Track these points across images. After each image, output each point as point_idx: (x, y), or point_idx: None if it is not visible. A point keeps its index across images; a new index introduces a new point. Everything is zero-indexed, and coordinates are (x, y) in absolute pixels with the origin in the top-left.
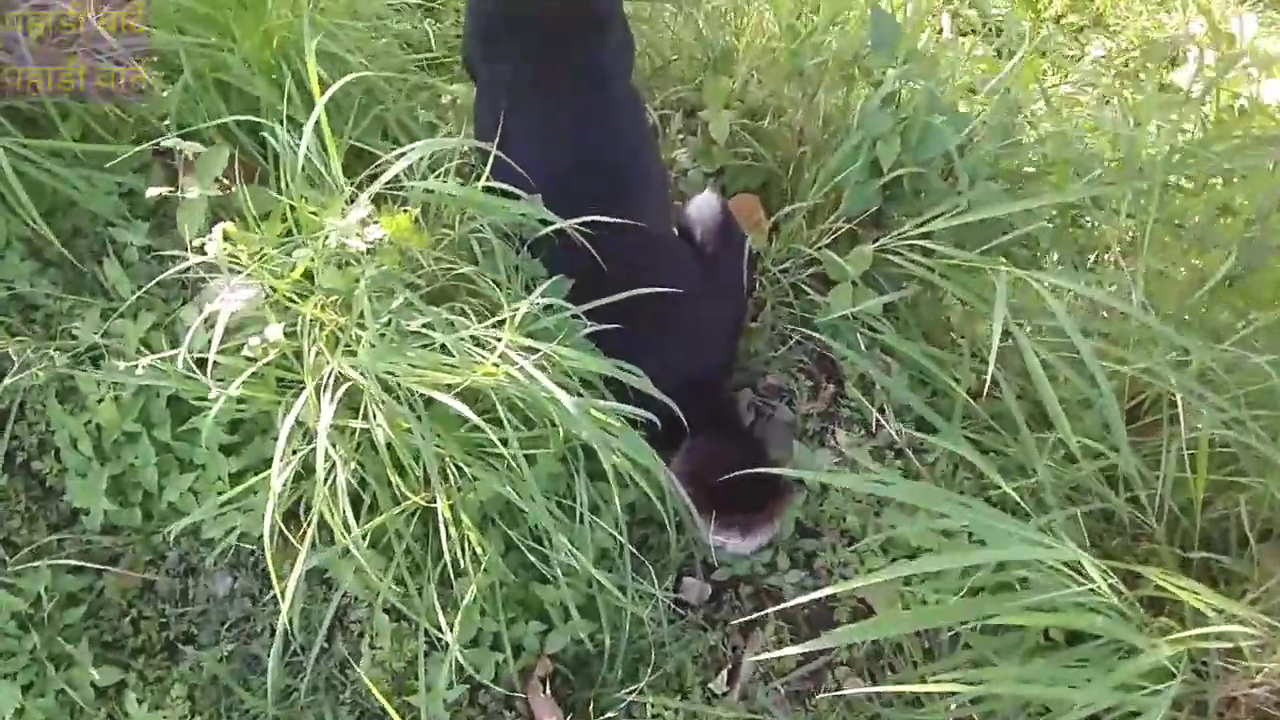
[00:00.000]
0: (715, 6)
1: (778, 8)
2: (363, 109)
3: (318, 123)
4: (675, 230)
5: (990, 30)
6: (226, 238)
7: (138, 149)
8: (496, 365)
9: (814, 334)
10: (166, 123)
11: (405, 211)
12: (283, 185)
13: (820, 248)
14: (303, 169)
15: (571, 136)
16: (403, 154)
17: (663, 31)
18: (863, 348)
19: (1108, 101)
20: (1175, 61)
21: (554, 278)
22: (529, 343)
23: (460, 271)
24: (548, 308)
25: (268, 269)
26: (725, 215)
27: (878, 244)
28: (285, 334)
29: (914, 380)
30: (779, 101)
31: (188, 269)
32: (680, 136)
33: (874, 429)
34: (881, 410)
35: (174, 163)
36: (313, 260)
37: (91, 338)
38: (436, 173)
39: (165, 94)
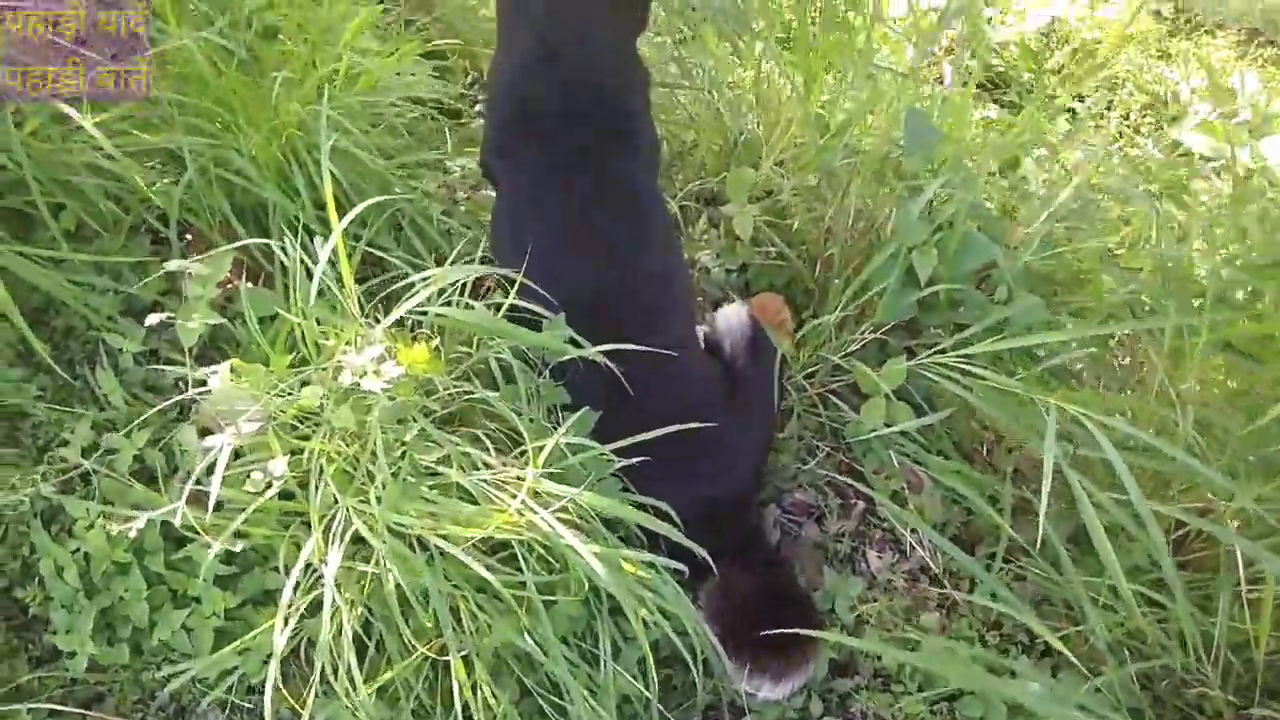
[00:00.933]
0: (737, 94)
1: (807, 101)
2: (374, 207)
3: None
4: (701, 340)
5: (992, 84)
6: (233, 371)
7: (139, 258)
8: (519, 513)
9: (843, 447)
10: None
11: (422, 340)
12: (289, 296)
13: (849, 356)
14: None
15: (598, 255)
16: (425, 279)
17: (680, 115)
18: (895, 463)
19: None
20: (1176, 116)
21: (580, 410)
22: (555, 488)
23: (475, 398)
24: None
25: (274, 401)
26: (755, 329)
27: (914, 362)
28: (290, 466)
29: (947, 497)
30: (805, 197)
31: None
32: (705, 236)
33: (908, 551)
34: (914, 530)
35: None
36: (325, 397)
37: (80, 459)
38: (451, 289)
39: (155, 186)
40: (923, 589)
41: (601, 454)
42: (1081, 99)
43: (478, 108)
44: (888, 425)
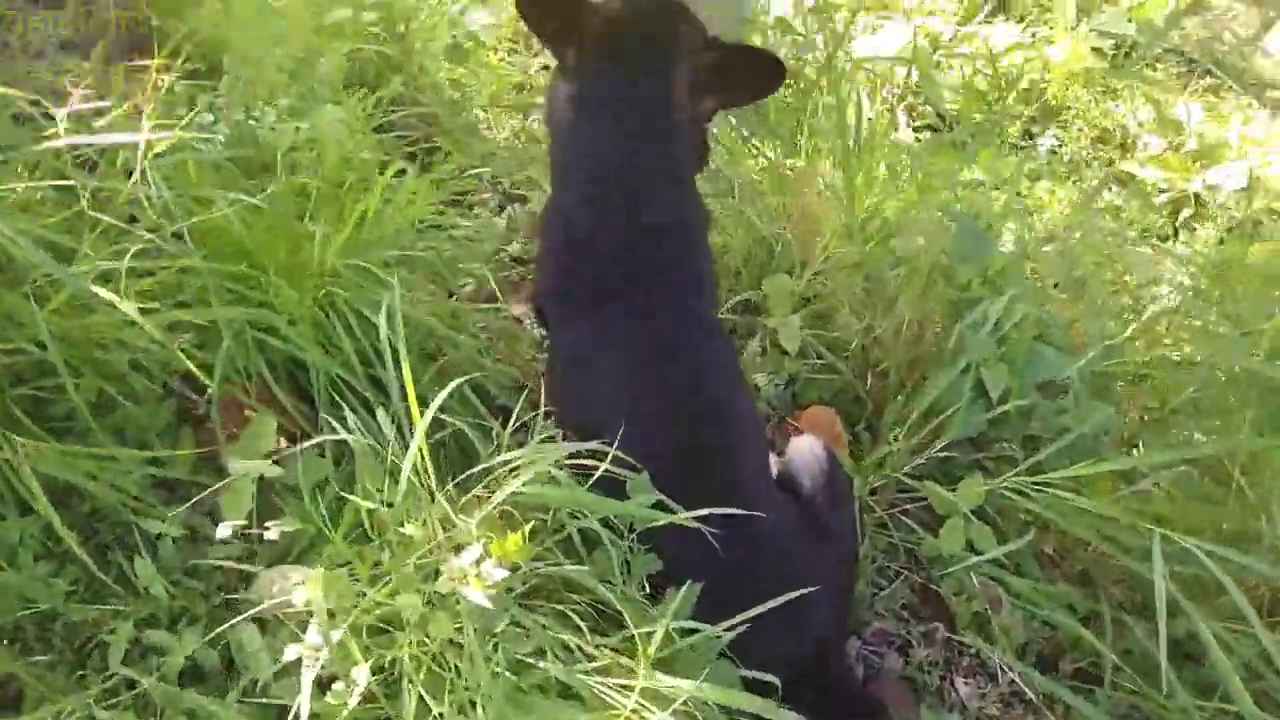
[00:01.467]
0: (767, 203)
1: (851, 207)
2: (423, 362)
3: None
4: (775, 477)
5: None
6: (321, 585)
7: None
8: (635, 714)
9: (915, 567)
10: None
11: (507, 522)
12: (338, 463)
13: (915, 474)
14: (403, 499)
15: (676, 409)
16: (511, 466)
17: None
18: (975, 584)
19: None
20: (1125, 148)
21: (684, 587)
22: (669, 681)
23: (564, 572)
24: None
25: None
26: (832, 463)
27: (997, 483)
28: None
29: (1027, 614)
30: (849, 303)
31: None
32: (758, 357)
33: (998, 676)
34: (1001, 658)
35: (208, 423)
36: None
37: (121, 668)
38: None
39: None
40: (1017, 715)
41: (714, 635)
42: (1031, 136)
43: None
44: (970, 549)
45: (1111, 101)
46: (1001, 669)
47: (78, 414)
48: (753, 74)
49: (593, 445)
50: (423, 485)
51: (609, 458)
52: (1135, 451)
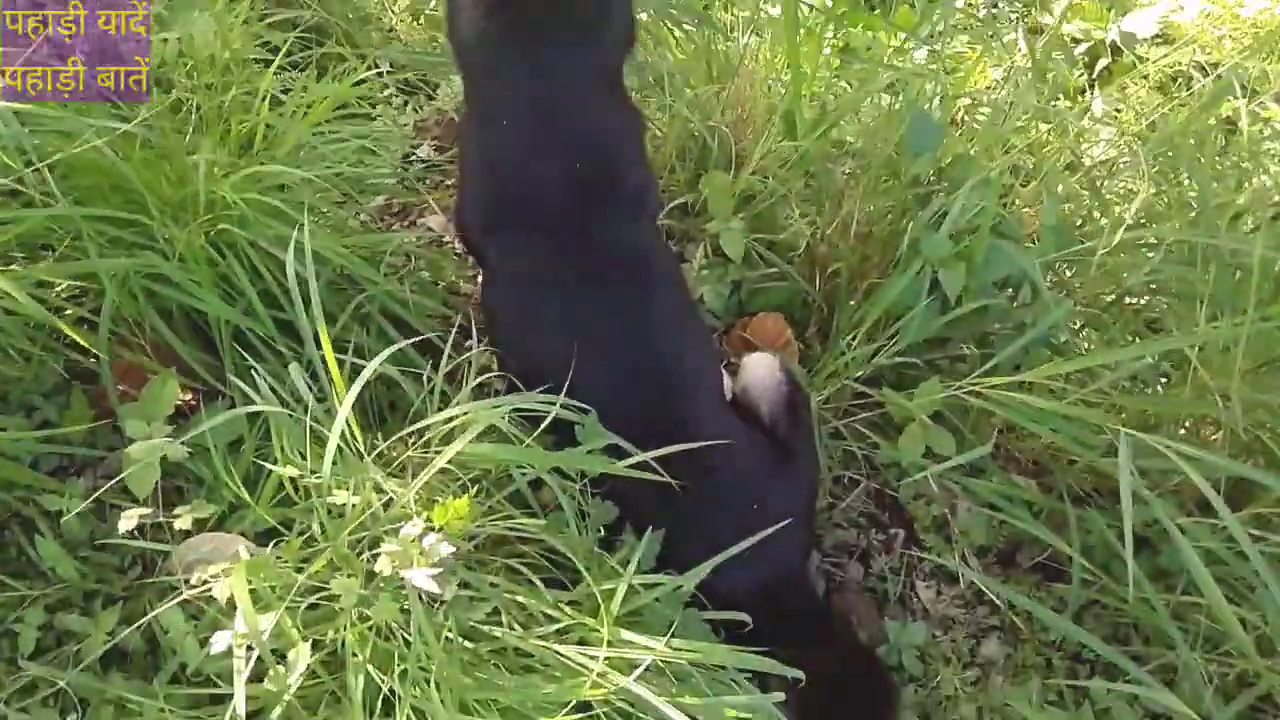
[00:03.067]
0: (696, 94)
1: (793, 105)
2: (333, 293)
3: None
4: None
5: None
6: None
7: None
8: (599, 683)
9: (873, 475)
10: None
11: (453, 486)
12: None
13: (868, 379)
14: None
15: (618, 344)
16: (448, 421)
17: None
18: (935, 490)
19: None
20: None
21: (645, 536)
22: (636, 640)
23: (516, 527)
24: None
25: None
26: (791, 384)
27: (956, 388)
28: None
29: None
30: (793, 203)
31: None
32: (702, 269)
33: (959, 577)
34: (964, 558)
35: (98, 386)
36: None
37: (31, 665)
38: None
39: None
40: (980, 616)
41: (678, 586)
42: None
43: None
44: (928, 454)
45: None
46: (961, 572)
47: None
48: None
49: (541, 396)
50: (349, 448)
51: (558, 404)
52: (1088, 342)
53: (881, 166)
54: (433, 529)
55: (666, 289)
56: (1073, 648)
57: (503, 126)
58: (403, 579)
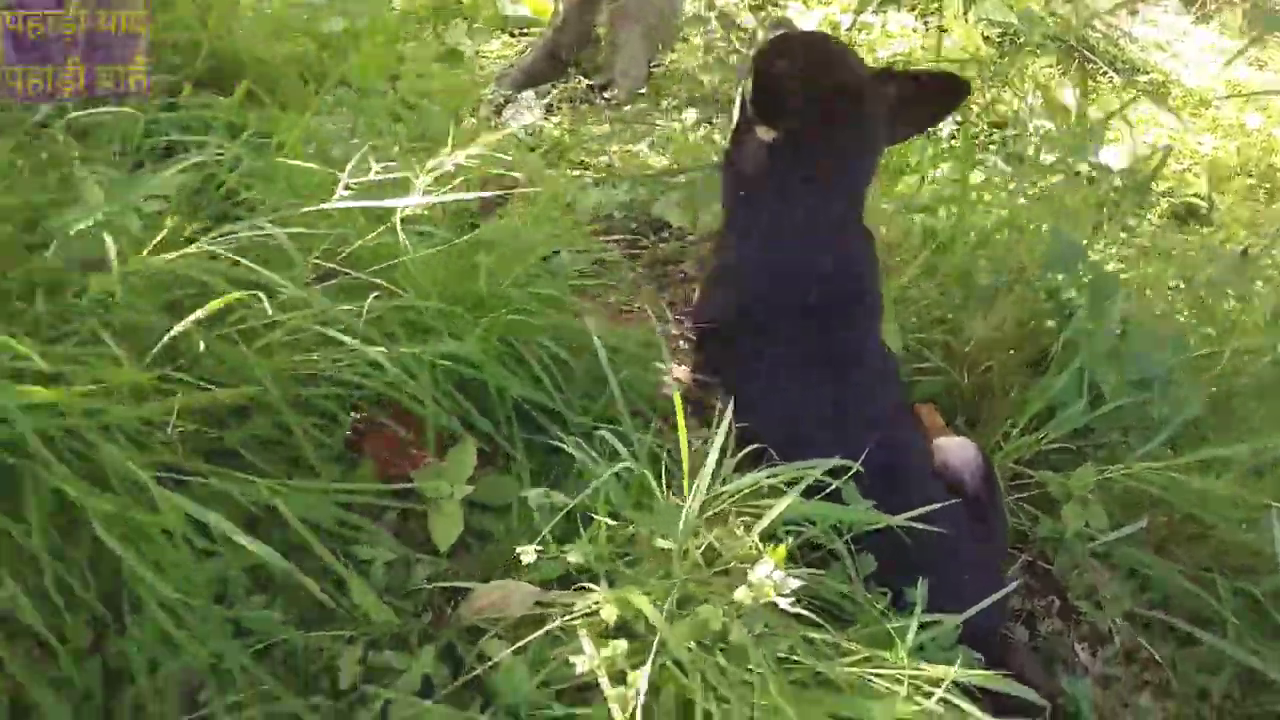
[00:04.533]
0: None
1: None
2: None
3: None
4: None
5: None
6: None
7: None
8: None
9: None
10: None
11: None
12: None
13: (1024, 462)
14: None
15: (859, 421)
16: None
17: None
18: (1088, 560)
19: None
20: (1017, 134)
21: (917, 582)
22: (931, 672)
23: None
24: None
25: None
26: (987, 463)
27: (1113, 470)
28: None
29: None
30: (944, 309)
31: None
32: None
33: (1113, 637)
34: (1114, 622)
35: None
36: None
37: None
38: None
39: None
40: (1134, 672)
41: (955, 626)
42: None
43: None
44: (1088, 529)
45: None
46: (1112, 630)
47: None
48: (937, 97)
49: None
50: (666, 500)
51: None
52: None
53: (1027, 281)
54: (778, 568)
55: (894, 383)
56: (1219, 701)
57: (774, 243)
58: (741, 609)
